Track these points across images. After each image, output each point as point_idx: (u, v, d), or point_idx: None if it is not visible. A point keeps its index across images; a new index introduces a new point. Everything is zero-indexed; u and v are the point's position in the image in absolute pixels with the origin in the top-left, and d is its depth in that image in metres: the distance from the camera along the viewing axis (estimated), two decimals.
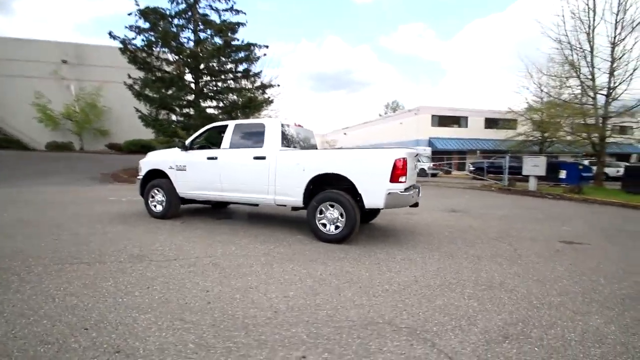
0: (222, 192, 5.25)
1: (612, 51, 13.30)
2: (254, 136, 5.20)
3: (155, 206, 5.90)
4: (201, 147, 5.78)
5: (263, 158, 4.86)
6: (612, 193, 12.43)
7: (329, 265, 3.62)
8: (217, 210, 6.93)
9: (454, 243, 4.74)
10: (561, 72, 16.42)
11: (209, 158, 5.32)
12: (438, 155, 26.15)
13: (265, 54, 18.18)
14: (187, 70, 15.20)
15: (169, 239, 4.53)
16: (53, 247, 3.99)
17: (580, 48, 13.70)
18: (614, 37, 13.26)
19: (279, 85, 20.21)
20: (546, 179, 14.97)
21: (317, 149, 5.89)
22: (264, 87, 18.77)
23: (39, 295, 2.67)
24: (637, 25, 12.61)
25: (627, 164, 20.34)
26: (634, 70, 12.79)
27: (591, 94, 13.89)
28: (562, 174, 15.82)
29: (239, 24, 16.82)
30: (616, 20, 13.11)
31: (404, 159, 4.11)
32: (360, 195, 4.36)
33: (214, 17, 17.09)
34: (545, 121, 23.66)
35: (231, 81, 18.22)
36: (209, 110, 17.08)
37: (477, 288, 3.10)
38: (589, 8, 13.41)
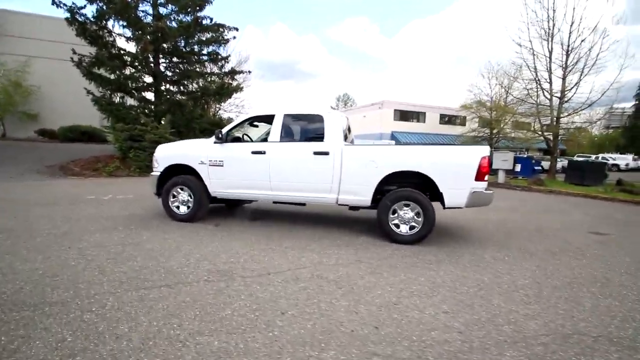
0: (271, 191, 4.65)
1: (567, 58, 14.94)
2: (310, 128, 4.67)
3: (178, 207, 5.03)
4: (234, 140, 5.05)
5: (325, 153, 4.39)
6: (563, 184, 14.09)
7: (434, 270, 3.39)
8: (233, 209, 6.19)
9: (510, 239, 4.83)
10: (517, 74, 17.98)
11: (254, 152, 4.65)
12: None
13: (234, 37, 16.92)
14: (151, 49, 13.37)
15: (229, 247, 3.87)
16: (102, 268, 3.12)
17: (542, 54, 15.17)
18: (568, 46, 14.90)
19: (249, 72, 19.12)
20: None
21: (353, 141, 5.54)
22: (233, 72, 17.44)
23: (142, 343, 2.01)
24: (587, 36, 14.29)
25: (570, 158, 23.34)
26: (584, 75, 14.55)
27: (548, 96, 15.51)
28: (518, 167, 17.56)
29: (207, 0, 15.29)
30: (570, 29, 14.73)
31: (488, 156, 4.01)
32: (437, 194, 4.19)
33: None
34: (495, 120, 26.07)
35: (197, 65, 16.60)
36: (178, 96, 15.34)
37: (594, 286, 3.14)
38: (549, 18, 14.84)
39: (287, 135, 4.70)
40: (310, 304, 2.54)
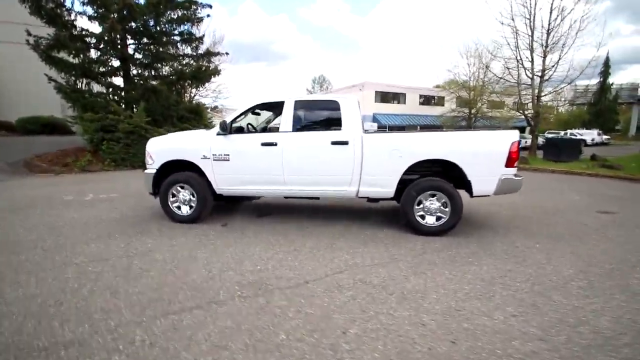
0: (284, 185, 4.27)
1: (547, 38, 15.12)
2: (325, 116, 4.29)
3: (179, 207, 4.55)
4: (238, 131, 4.58)
5: (345, 143, 4.04)
6: (545, 162, 14.55)
7: (475, 264, 3.22)
8: (235, 205, 5.74)
9: (530, 223, 4.77)
10: (496, 52, 18.08)
11: (264, 144, 4.21)
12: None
13: (208, 15, 15.78)
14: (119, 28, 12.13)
15: (249, 251, 3.50)
16: (114, 289, 2.67)
17: (524, 32, 15.25)
18: (549, 24, 15.05)
19: (227, 54, 18.02)
20: None
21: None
22: (209, 54, 16.39)
23: None
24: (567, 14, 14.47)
25: (547, 135, 24.17)
26: (564, 54, 14.84)
27: (529, 74, 15.74)
28: None
29: None
30: (551, 7, 14.83)
31: (518, 141, 3.83)
32: (461, 182, 4.00)
33: None
34: (472, 100, 26.49)
35: (169, 47, 15.37)
36: (151, 81, 14.20)
37: (636, 271, 3.09)
38: None
39: (299, 124, 4.30)
40: (369, 318, 2.27)
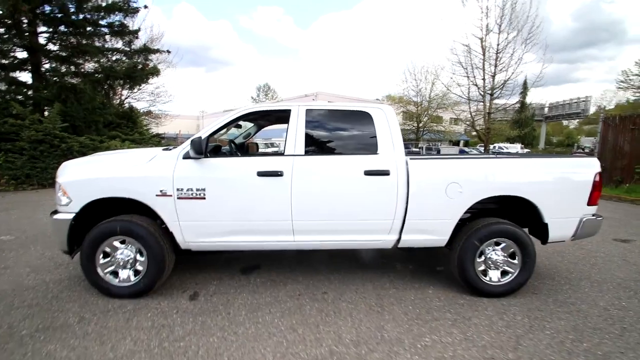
0: (293, 235, 2.86)
1: (497, 58, 15.90)
2: (351, 133, 3.01)
3: (115, 274, 2.84)
4: (215, 151, 3.06)
5: (384, 173, 2.80)
6: None
7: (591, 351, 2.20)
8: (197, 257, 4.07)
9: (575, 264, 4.03)
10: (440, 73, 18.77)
11: (263, 174, 2.76)
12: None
13: (146, 6, 13.52)
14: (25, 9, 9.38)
15: (252, 356, 2.04)
16: None
17: (476, 51, 15.85)
18: (497, 45, 15.86)
19: (168, 52, 15.67)
20: None
21: None
22: (147, 50, 14.07)
23: None
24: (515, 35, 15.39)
25: (493, 149, 25.92)
26: (515, 74, 15.75)
27: (481, 92, 16.38)
28: None
29: None
30: (499, 29, 15.66)
31: (600, 172, 3.00)
32: (529, 223, 3.05)
33: None
34: (418, 114, 27.63)
35: (95, 38, 12.69)
36: (71, 79, 11.45)
37: None
38: (482, 13, 15.52)
39: (313, 144, 2.94)
40: None
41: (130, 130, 13.41)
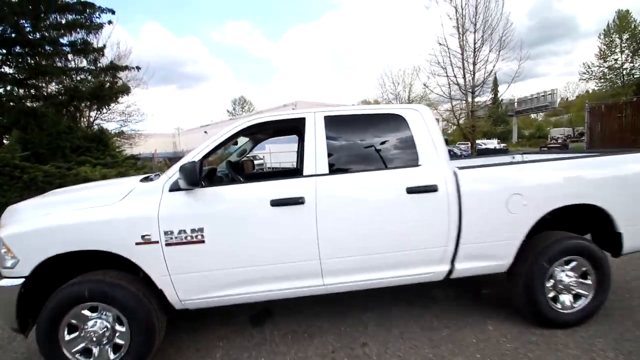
0: (321, 278, 2.22)
1: (474, 56, 15.98)
2: (383, 143, 2.43)
3: (87, 353, 2.09)
4: (210, 177, 2.40)
5: (432, 190, 2.23)
6: None
7: None
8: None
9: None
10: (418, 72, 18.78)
11: (278, 202, 2.12)
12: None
13: (110, 22, 12.62)
14: None
15: None
16: None
17: (455, 51, 15.88)
18: (474, 44, 15.96)
19: (138, 68, 14.74)
20: None
21: None
22: (115, 68, 13.15)
23: None
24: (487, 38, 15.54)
25: (479, 147, 26.25)
26: (493, 71, 15.85)
27: (463, 91, 16.38)
28: None
29: None
30: (475, 28, 15.77)
31: None
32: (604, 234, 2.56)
33: None
34: None
35: (56, 58, 11.67)
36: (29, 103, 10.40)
37: None
38: (457, 15, 15.58)
39: (338, 160, 2.34)
40: None
41: (102, 153, 12.31)
